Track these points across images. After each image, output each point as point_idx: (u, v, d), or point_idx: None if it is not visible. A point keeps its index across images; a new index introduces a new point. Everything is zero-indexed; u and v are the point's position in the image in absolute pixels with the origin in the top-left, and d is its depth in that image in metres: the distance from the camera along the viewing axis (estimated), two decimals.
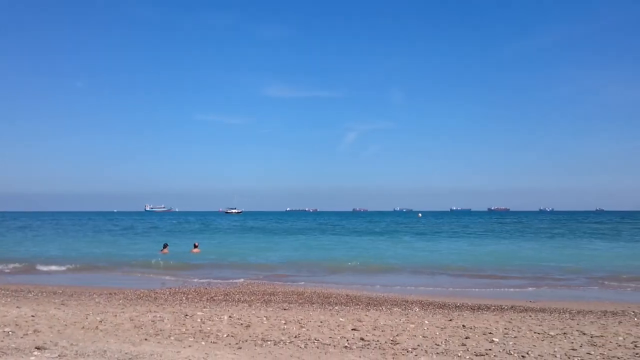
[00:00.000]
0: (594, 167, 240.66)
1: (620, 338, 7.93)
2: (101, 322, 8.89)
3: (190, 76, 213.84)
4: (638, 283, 16.89)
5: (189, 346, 7.09)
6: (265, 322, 9.07)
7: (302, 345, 7.25)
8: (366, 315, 10.18)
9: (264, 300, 12.49)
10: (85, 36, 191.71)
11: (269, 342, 7.42)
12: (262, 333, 8.10)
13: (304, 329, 8.46)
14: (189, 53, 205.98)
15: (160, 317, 9.49)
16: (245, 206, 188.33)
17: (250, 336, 7.86)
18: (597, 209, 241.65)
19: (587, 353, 6.88)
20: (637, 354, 6.86)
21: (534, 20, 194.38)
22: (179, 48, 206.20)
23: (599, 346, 7.34)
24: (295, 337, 7.84)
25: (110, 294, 13.45)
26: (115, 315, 9.59)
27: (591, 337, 8.02)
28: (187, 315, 9.75)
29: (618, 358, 6.60)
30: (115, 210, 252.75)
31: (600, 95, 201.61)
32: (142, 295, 13.29)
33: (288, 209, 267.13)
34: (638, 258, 24.48)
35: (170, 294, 13.63)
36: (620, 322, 9.58)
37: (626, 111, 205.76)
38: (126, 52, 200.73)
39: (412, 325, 8.92)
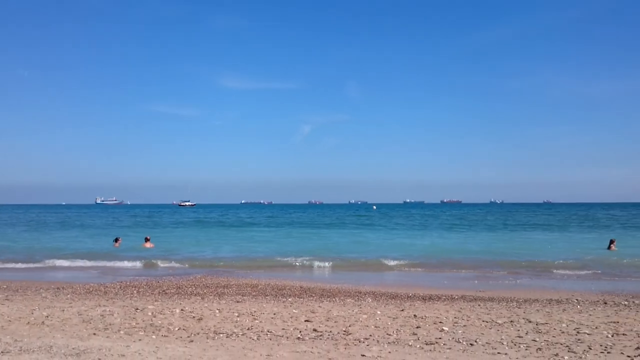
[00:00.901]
0: (543, 161, 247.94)
1: (564, 325, 8.22)
2: (48, 317, 8.65)
3: (141, 67, 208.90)
4: (582, 272, 17.55)
5: (139, 340, 6.98)
6: (217, 315, 9.00)
7: (255, 338, 7.23)
8: (319, 306, 10.23)
9: (217, 293, 12.39)
10: (30, 28, 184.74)
11: (221, 335, 7.37)
12: (214, 326, 8.04)
13: (257, 321, 8.44)
14: (139, 43, 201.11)
15: (109, 311, 9.30)
16: (199, 199, 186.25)
17: (202, 329, 7.79)
18: (545, 201, 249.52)
19: (533, 340, 7.10)
20: (579, 339, 7.13)
21: (492, 13, 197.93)
22: (129, 39, 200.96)
23: (544, 333, 7.60)
24: (248, 329, 7.82)
25: (58, 288, 13.08)
26: (63, 310, 9.34)
27: (536, 324, 8.28)
28: (137, 309, 9.58)
29: (561, 344, 6.84)
30: (63, 203, 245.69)
31: (551, 89, 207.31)
32: (91, 289, 12.98)
33: (243, 202, 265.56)
34: (583, 248, 25.39)
35: (120, 287, 13.36)
36: (564, 310, 9.93)
37: (577, 105, 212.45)
38: (75, 43, 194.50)
39: (365, 316, 9.02)
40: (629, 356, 6.17)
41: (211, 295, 11.98)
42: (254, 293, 12.58)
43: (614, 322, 8.43)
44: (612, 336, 7.34)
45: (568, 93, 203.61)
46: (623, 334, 7.46)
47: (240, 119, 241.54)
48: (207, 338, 7.19)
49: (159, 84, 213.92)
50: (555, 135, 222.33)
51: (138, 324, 8.16)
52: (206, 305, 10.26)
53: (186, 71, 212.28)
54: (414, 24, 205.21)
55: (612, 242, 25.06)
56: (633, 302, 11.29)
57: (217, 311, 9.40)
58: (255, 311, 9.45)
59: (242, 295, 12.03)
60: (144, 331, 7.59)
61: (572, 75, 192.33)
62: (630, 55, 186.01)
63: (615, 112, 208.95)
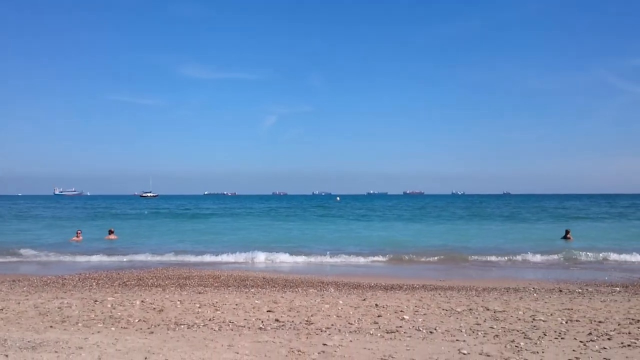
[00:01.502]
0: (502, 153, 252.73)
1: (521, 312, 8.43)
2: (2, 310, 8.43)
3: (100, 55, 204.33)
4: (539, 261, 18.02)
5: (98, 332, 6.87)
6: (179, 306, 8.92)
7: (217, 328, 7.19)
8: (282, 297, 10.24)
9: (179, 285, 12.27)
10: None
11: (182, 326, 7.31)
12: (175, 317, 7.97)
13: (218, 312, 8.40)
14: (100, 30, 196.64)
15: (67, 303, 9.12)
16: (161, 190, 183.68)
17: (162, 320, 7.71)
18: (505, 192, 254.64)
19: (490, 327, 7.26)
20: (534, 326, 7.32)
21: (456, 7, 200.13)
22: (90, 25, 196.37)
23: (501, 320, 7.78)
24: (210, 320, 7.77)
25: (13, 281, 12.74)
26: (18, 303, 9.11)
27: (494, 312, 8.47)
28: (96, 301, 9.42)
29: (518, 330, 7.02)
30: (19, 194, 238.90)
31: (511, 84, 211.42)
32: (48, 281, 12.69)
33: (206, 193, 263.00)
34: (540, 238, 26.06)
35: (79, 279, 13.10)
36: (521, 298, 10.18)
37: (534, 99, 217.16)
38: (33, 31, 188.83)
39: (327, 306, 9.07)
40: (581, 341, 6.37)
41: (172, 287, 11.86)
42: (217, 284, 12.50)
43: (568, 309, 8.69)
44: (566, 322, 7.56)
45: (525, 87, 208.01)
46: (576, 320, 7.70)
47: (204, 109, 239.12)
48: (168, 329, 7.12)
49: (120, 72, 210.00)
50: (513, 127, 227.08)
51: (97, 315, 8.02)
52: (167, 296, 10.16)
53: (148, 60, 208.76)
54: (379, 15, 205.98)
55: (567, 232, 25.83)
56: (587, 289, 11.65)
57: (178, 302, 9.32)
58: (217, 302, 9.40)
59: (204, 287, 11.94)
60: (103, 323, 7.47)
61: (530, 69, 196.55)
62: (585, 51, 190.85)
63: (568, 106, 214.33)
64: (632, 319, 7.78)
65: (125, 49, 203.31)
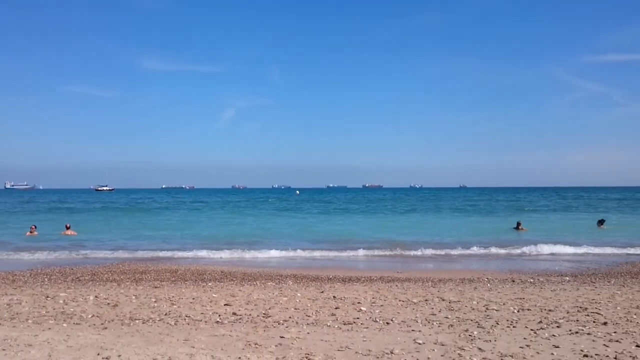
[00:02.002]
0: (459, 147, 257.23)
1: (475, 302, 8.61)
2: None
3: (54, 45, 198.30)
4: (492, 252, 18.43)
5: (49, 329, 6.69)
6: (134, 301, 8.77)
7: (172, 323, 7.10)
8: (240, 290, 10.18)
9: (135, 279, 12.06)
10: None
11: (137, 321, 7.18)
12: (130, 312, 7.83)
13: (175, 306, 8.30)
14: (54, 17, 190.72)
15: (17, 300, 8.85)
16: (117, 183, 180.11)
17: (117, 315, 7.57)
18: (461, 185, 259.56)
19: (445, 317, 7.40)
20: (488, 315, 7.49)
21: (415, 2, 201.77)
22: (43, 13, 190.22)
23: (456, 310, 7.93)
24: (166, 314, 7.67)
25: None
26: None
27: (449, 302, 8.63)
28: (48, 297, 9.17)
29: (471, 320, 7.17)
30: None
31: (465, 80, 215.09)
32: None
33: (164, 186, 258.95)
34: (493, 229, 26.69)
35: (30, 275, 12.72)
36: (475, 288, 10.40)
37: (487, 96, 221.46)
38: None
39: (285, 298, 9.07)
40: (532, 329, 6.55)
41: (128, 282, 11.65)
42: (173, 279, 12.34)
43: (520, 299, 8.93)
44: (518, 311, 7.76)
45: (481, 82, 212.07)
46: (527, 309, 7.91)
47: (162, 101, 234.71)
48: (122, 324, 6.99)
49: (75, 64, 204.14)
50: (469, 122, 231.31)
51: (48, 312, 7.81)
52: (122, 291, 9.97)
53: (104, 51, 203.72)
54: (340, 8, 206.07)
55: (519, 223, 26.65)
56: (538, 279, 11.99)
57: (133, 297, 9.16)
58: (173, 296, 9.28)
59: (161, 281, 11.78)
60: (55, 319, 7.28)
61: (485, 65, 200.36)
62: (537, 48, 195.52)
63: (522, 101, 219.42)
64: (580, 307, 8.05)
65: (80, 39, 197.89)
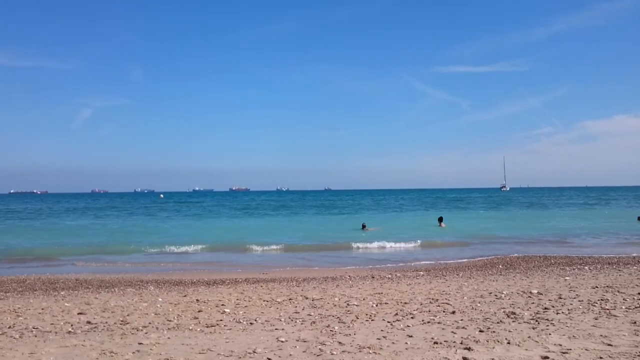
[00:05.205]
0: (323, 151, 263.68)
1: (336, 299, 8.86)
2: None
3: None
4: (331, 249, 19.15)
5: None
6: None
7: (17, 336, 6.51)
8: (96, 298, 9.61)
9: None
10: None
11: None
12: None
13: (20, 318, 7.63)
14: None
15: None
16: None
17: None
18: (326, 188, 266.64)
19: (308, 314, 7.53)
20: (348, 311, 7.74)
21: (278, 6, 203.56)
22: None
23: (318, 307, 8.10)
24: (9, 327, 7.02)
25: None
26: None
27: (312, 300, 8.80)
28: None
29: (333, 316, 7.36)
30: None
31: (331, 85, 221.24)
32: None
33: (12, 191, 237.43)
34: (353, 228, 27.75)
35: None
36: (337, 286, 10.71)
37: (350, 101, 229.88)
38: None
39: (145, 304, 8.71)
40: (389, 322, 6.87)
41: None
42: (20, 289, 11.36)
43: (379, 294, 9.34)
44: (377, 305, 8.11)
45: (341, 87, 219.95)
46: (385, 303, 8.30)
47: (7, 99, 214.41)
48: None
49: None
50: (331, 126, 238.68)
51: None
52: None
53: None
54: (203, 9, 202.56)
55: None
56: (395, 275, 12.63)
57: None
58: (19, 308, 8.53)
59: (5, 292, 10.78)
60: None
61: (344, 71, 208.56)
62: (395, 58, 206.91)
63: (381, 107, 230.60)
64: (432, 299, 8.59)
65: None
